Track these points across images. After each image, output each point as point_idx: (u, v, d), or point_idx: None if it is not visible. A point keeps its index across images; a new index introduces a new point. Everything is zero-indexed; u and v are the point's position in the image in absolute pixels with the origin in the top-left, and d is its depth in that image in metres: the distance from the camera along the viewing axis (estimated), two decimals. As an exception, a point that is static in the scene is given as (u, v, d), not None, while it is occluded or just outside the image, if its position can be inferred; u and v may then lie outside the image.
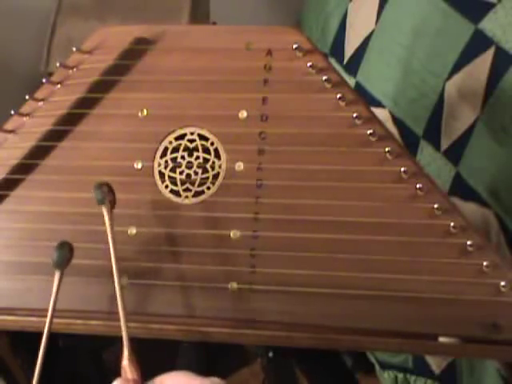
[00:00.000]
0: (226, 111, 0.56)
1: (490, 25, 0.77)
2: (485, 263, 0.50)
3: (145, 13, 1.09)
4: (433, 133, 0.84)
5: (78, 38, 0.61)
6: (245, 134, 0.55)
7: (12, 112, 0.59)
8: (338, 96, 0.54)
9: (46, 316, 0.53)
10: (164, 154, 0.57)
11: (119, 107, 0.58)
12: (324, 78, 0.55)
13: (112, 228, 0.49)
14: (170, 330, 0.52)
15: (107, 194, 0.50)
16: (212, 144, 0.56)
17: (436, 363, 0.87)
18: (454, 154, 0.82)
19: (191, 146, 0.56)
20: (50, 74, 0.61)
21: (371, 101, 0.92)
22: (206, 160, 0.56)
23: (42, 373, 0.46)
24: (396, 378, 0.91)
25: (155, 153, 0.57)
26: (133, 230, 0.54)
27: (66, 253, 0.49)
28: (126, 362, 0.45)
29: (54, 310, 0.48)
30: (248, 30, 0.58)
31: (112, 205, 0.50)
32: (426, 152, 0.85)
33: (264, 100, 0.56)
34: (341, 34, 1.04)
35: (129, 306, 0.52)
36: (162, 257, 0.54)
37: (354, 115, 0.54)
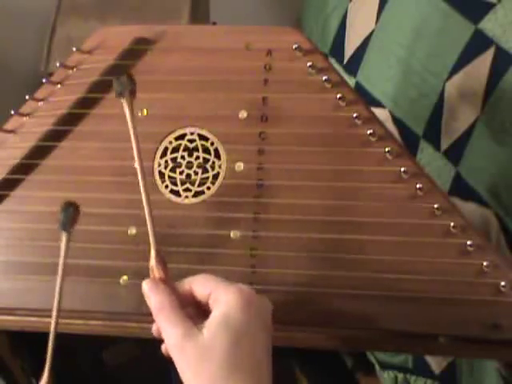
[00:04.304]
0: (226, 111, 0.56)
1: (490, 25, 0.77)
2: (485, 263, 0.50)
3: (145, 13, 1.09)
4: (433, 133, 0.84)
5: (78, 37, 0.61)
6: (245, 134, 0.55)
7: (12, 112, 0.59)
8: (338, 96, 0.54)
9: (45, 316, 0.54)
10: (164, 154, 0.57)
11: (119, 107, 0.57)
12: (324, 78, 0.55)
13: (133, 120, 0.48)
14: (170, 330, 0.52)
15: (127, 85, 0.47)
16: (212, 144, 0.56)
17: (436, 363, 0.87)
18: (454, 153, 0.82)
19: (191, 146, 0.56)
20: (50, 74, 0.61)
21: (371, 101, 0.91)
22: (205, 160, 0.56)
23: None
24: (396, 378, 0.91)
25: (155, 153, 0.57)
26: (133, 230, 0.54)
27: (71, 213, 0.48)
28: (153, 262, 0.46)
29: (62, 279, 0.48)
30: (248, 30, 0.58)
31: (133, 95, 0.48)
32: (426, 152, 0.85)
33: (264, 100, 0.56)
34: (341, 34, 1.04)
35: (129, 306, 0.53)
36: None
37: (354, 115, 0.54)
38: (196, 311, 0.44)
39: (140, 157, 0.48)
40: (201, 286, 0.44)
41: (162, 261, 0.46)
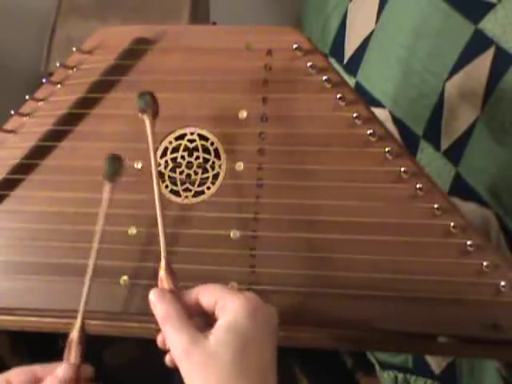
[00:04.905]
0: (226, 111, 0.56)
1: (490, 25, 0.77)
2: (485, 263, 0.50)
3: (145, 13, 1.09)
4: (433, 133, 0.84)
5: (78, 37, 0.61)
6: (245, 134, 0.55)
7: (12, 112, 0.59)
8: (338, 96, 0.54)
9: (45, 316, 0.54)
10: (164, 154, 0.57)
11: (119, 107, 0.58)
12: (324, 78, 0.55)
13: (153, 138, 0.50)
14: (170, 330, 0.52)
15: (151, 104, 0.51)
16: (212, 144, 0.56)
17: (436, 363, 0.87)
18: (454, 154, 0.82)
19: (191, 146, 0.56)
20: (50, 74, 0.61)
21: (371, 101, 0.91)
22: (206, 160, 0.56)
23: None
24: (396, 378, 0.91)
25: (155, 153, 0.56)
26: (133, 230, 0.54)
27: (117, 165, 0.49)
28: (162, 272, 0.46)
29: (102, 228, 0.49)
30: (248, 30, 0.58)
31: (154, 115, 0.51)
32: (426, 152, 0.85)
33: (264, 100, 0.56)
34: (341, 34, 1.04)
35: (129, 306, 0.53)
36: (162, 257, 0.54)
37: (354, 115, 0.54)
38: (203, 321, 0.44)
39: (157, 174, 0.49)
40: (207, 295, 0.44)
41: (171, 271, 0.46)
